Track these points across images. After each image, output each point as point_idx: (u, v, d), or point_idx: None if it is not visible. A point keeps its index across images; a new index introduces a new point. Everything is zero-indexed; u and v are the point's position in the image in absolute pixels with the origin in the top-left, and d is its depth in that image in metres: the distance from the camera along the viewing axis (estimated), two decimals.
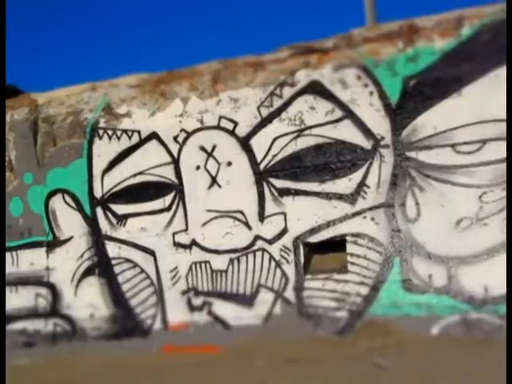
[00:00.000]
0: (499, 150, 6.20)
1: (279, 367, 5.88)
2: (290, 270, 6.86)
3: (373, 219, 6.56)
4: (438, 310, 6.31)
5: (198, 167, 7.25)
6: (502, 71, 6.23)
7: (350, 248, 6.65)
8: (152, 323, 7.40)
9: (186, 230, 7.28)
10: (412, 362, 5.61)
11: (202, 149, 7.24)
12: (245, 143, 7.07)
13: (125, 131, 7.60)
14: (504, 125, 6.18)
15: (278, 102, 6.96)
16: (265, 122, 7.00)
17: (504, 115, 6.18)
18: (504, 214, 6.15)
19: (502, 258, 6.12)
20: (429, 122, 6.42)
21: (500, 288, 6.11)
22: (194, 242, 7.23)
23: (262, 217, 6.97)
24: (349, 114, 6.68)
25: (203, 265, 7.19)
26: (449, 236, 6.33)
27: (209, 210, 7.19)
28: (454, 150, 6.33)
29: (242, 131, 7.09)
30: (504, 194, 6.15)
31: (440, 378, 5.10)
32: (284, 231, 6.88)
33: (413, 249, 6.41)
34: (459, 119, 6.32)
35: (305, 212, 6.81)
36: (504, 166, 6.17)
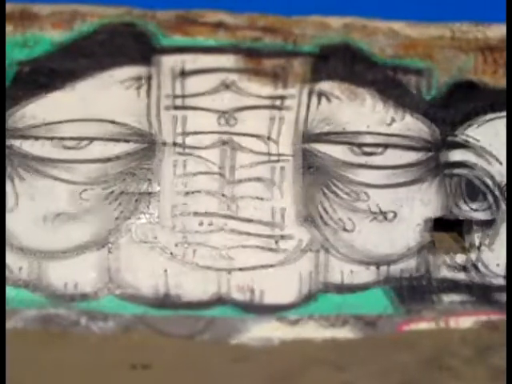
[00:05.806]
0: (101, 149, 6.29)
1: None
2: None
3: None
4: (16, 303, 6.25)
5: None
6: (116, 72, 6.27)
7: None
8: None
9: None
10: None
11: None
12: None
13: None
14: (107, 125, 6.27)
15: None
16: None
17: (109, 116, 6.28)
18: (99, 211, 6.26)
19: (88, 256, 6.26)
20: (37, 112, 6.30)
21: (80, 286, 6.28)
22: None
23: None
24: None
25: None
26: (42, 230, 6.30)
27: None
28: (58, 143, 6.28)
29: None
30: (101, 192, 6.22)
31: (14, 372, 5.02)
32: None
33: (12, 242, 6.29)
34: (67, 113, 6.28)
35: None
36: (105, 165, 6.26)
